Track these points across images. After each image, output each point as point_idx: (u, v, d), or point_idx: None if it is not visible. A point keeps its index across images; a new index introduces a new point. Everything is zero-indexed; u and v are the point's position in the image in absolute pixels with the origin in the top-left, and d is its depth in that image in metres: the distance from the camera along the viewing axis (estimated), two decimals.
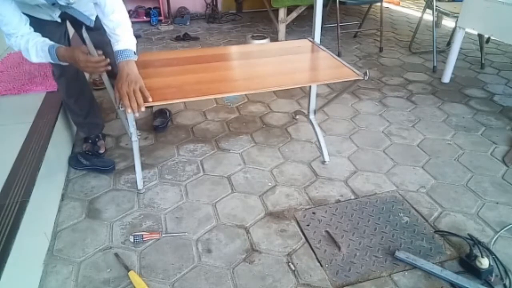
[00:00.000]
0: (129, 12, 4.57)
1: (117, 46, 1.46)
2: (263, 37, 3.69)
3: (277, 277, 1.36)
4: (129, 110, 1.39)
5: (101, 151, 2.02)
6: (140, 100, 1.39)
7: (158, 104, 1.53)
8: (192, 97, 1.48)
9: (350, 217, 1.62)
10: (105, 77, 1.62)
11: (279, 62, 1.82)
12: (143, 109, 1.40)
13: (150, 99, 1.41)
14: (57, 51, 1.44)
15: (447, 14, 3.15)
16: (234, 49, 2.16)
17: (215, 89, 1.53)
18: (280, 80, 1.62)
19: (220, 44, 3.84)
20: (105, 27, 1.48)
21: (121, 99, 1.40)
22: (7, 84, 2.19)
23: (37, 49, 1.43)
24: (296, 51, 1.93)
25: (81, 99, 1.92)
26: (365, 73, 1.56)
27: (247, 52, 2.08)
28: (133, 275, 1.34)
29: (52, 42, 1.46)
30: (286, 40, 3.81)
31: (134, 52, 1.49)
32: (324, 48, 1.86)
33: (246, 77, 1.67)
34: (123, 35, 1.46)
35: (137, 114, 1.43)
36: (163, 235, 1.53)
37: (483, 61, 3.14)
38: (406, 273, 1.37)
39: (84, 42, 1.51)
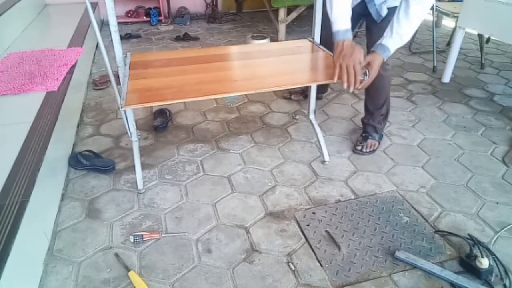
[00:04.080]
0: (129, 12, 4.62)
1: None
2: (263, 37, 3.69)
3: (277, 277, 1.36)
4: (345, 85, 1.49)
5: None
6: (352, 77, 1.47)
7: (158, 104, 1.54)
8: (192, 97, 1.48)
9: (350, 217, 1.62)
10: (110, 73, 1.62)
11: (279, 62, 1.82)
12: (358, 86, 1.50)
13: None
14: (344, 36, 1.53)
15: (447, 14, 3.15)
16: (234, 49, 2.16)
17: (215, 89, 1.53)
18: (280, 80, 1.62)
19: (220, 44, 3.84)
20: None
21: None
22: (7, 84, 2.19)
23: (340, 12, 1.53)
24: (296, 51, 1.93)
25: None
26: (365, 73, 1.56)
27: (247, 52, 2.08)
28: (133, 275, 1.34)
29: (348, 26, 1.53)
30: (286, 40, 3.81)
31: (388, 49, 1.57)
32: (324, 48, 1.86)
33: (246, 77, 1.67)
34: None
35: (350, 90, 1.51)
36: (163, 235, 1.53)
37: (483, 61, 3.14)
38: (406, 273, 1.37)
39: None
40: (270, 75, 1.67)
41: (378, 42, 1.58)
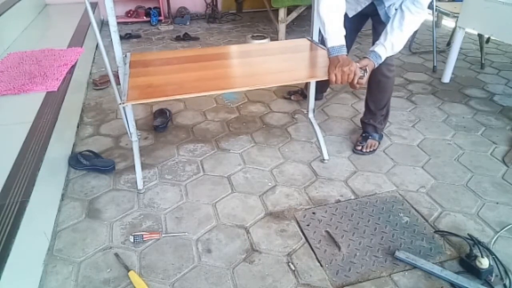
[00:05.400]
0: (129, 12, 4.61)
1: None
2: (263, 37, 3.69)
3: (277, 277, 1.36)
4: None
5: None
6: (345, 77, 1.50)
7: (159, 100, 1.54)
8: (193, 93, 1.49)
9: (350, 217, 1.62)
10: (110, 73, 1.62)
11: (278, 60, 1.82)
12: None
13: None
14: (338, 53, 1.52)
15: (447, 14, 3.15)
16: (234, 48, 2.16)
17: (215, 85, 1.54)
18: (280, 77, 1.63)
19: (220, 44, 3.84)
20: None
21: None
22: (7, 84, 2.19)
23: (333, 30, 1.52)
24: (295, 50, 1.93)
25: None
26: (365, 70, 1.56)
27: (246, 51, 2.08)
28: (133, 275, 1.34)
29: (342, 42, 1.52)
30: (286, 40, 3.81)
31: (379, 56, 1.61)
32: (323, 46, 1.86)
33: (246, 75, 1.68)
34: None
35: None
36: (163, 235, 1.53)
37: (483, 61, 3.14)
38: (406, 273, 1.37)
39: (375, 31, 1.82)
40: (269, 73, 1.67)
41: (371, 49, 1.62)
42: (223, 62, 1.81)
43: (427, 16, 1.56)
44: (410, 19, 1.56)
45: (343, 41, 1.52)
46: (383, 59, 1.62)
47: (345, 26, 1.55)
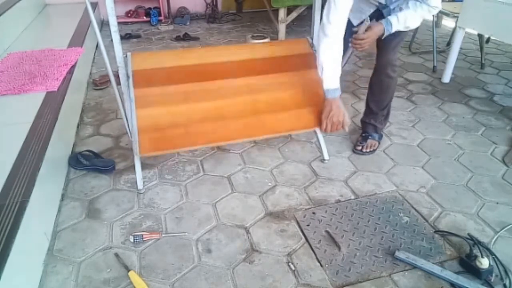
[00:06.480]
0: (129, 12, 4.61)
1: None
2: (263, 37, 3.69)
3: (277, 277, 1.36)
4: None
5: None
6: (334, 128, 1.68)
7: (168, 152, 1.66)
8: (200, 144, 1.66)
9: (350, 217, 1.62)
10: (110, 73, 1.62)
11: (280, 88, 1.83)
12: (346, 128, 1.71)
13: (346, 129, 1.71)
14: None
15: (447, 14, 3.15)
16: (234, 55, 2.06)
17: (222, 136, 1.65)
18: (281, 123, 1.71)
19: (220, 44, 3.84)
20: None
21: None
22: (7, 84, 2.19)
23: (330, 74, 1.62)
24: (296, 67, 1.90)
25: None
26: (362, 22, 1.67)
27: (246, 66, 1.92)
28: (133, 275, 1.34)
29: (337, 85, 1.64)
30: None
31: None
32: None
33: (249, 113, 1.72)
34: None
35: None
36: (163, 235, 1.53)
37: (483, 61, 3.14)
38: (406, 273, 1.37)
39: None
40: (272, 111, 1.74)
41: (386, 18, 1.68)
42: (224, 83, 1.80)
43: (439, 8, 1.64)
44: (423, 7, 1.63)
45: (338, 84, 1.62)
46: (393, 30, 1.66)
47: (349, 33, 1.62)
